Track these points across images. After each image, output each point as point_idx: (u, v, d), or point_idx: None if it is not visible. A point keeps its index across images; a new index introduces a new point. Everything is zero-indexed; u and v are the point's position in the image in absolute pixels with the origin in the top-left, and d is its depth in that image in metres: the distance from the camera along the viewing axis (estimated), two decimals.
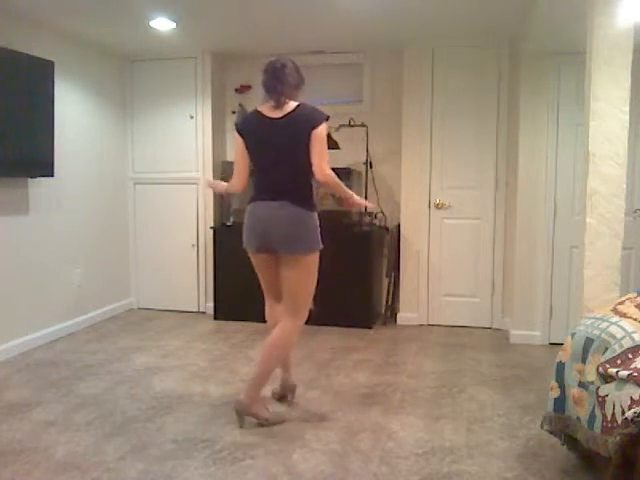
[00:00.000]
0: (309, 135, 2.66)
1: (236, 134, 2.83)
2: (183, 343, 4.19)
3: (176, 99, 5.01)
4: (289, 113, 2.70)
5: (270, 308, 2.98)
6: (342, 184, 2.79)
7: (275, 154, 2.72)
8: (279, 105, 2.70)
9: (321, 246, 2.77)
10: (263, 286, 2.95)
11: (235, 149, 2.87)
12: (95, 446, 2.55)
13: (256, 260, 2.87)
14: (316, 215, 2.77)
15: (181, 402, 3.06)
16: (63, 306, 4.38)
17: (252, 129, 2.79)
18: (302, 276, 2.74)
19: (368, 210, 4.77)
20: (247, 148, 2.79)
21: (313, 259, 2.75)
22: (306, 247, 2.71)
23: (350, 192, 2.85)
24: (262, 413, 2.75)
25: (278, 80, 2.70)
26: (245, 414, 2.73)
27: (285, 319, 2.79)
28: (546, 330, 4.21)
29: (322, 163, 2.66)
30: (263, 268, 2.87)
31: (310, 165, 2.67)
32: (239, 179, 2.86)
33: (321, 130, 2.67)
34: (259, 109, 2.78)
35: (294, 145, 2.69)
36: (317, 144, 2.66)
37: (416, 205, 4.68)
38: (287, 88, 2.72)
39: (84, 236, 4.62)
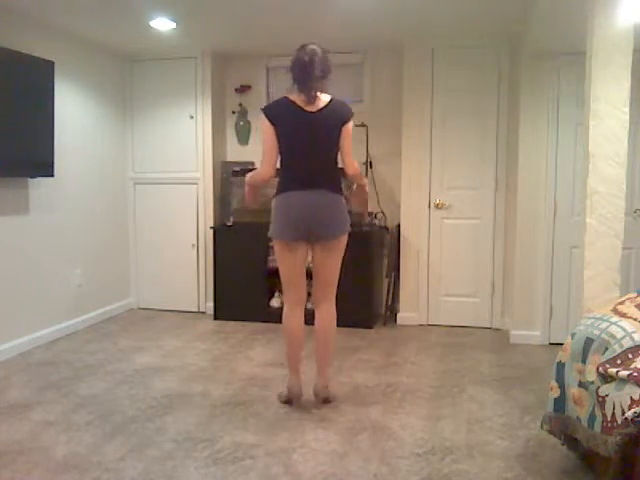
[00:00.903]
0: (340, 129, 2.82)
1: (266, 122, 2.80)
2: (183, 343, 4.19)
3: (176, 99, 5.01)
4: (324, 107, 2.80)
5: (293, 313, 2.96)
6: (364, 178, 3.06)
7: (311, 146, 2.81)
8: (311, 100, 2.77)
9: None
10: (290, 284, 2.95)
11: (264, 136, 2.84)
12: (95, 446, 2.55)
13: (290, 250, 2.88)
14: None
15: (181, 402, 3.06)
16: (63, 306, 4.39)
17: (287, 119, 2.81)
18: (339, 258, 2.96)
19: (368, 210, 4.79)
20: (277, 136, 2.80)
21: (346, 241, 2.97)
22: (345, 228, 2.93)
23: (366, 180, 3.11)
24: (333, 392, 3.08)
25: (307, 75, 2.75)
26: (324, 397, 3.00)
27: (328, 306, 2.98)
28: (546, 330, 4.21)
29: (351, 157, 2.89)
30: (295, 258, 2.90)
31: (337, 155, 2.86)
32: (271, 166, 2.84)
33: (350, 125, 2.87)
34: (292, 99, 2.80)
35: (328, 138, 2.83)
36: (348, 139, 2.86)
37: (416, 205, 4.68)
38: (316, 83, 2.77)
39: (84, 236, 4.62)
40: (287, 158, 2.86)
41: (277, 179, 2.92)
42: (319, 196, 2.82)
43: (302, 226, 2.82)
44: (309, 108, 2.79)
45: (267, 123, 2.81)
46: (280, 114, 2.82)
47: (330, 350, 3.06)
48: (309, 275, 3.03)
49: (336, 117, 2.83)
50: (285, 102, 2.83)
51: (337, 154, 2.88)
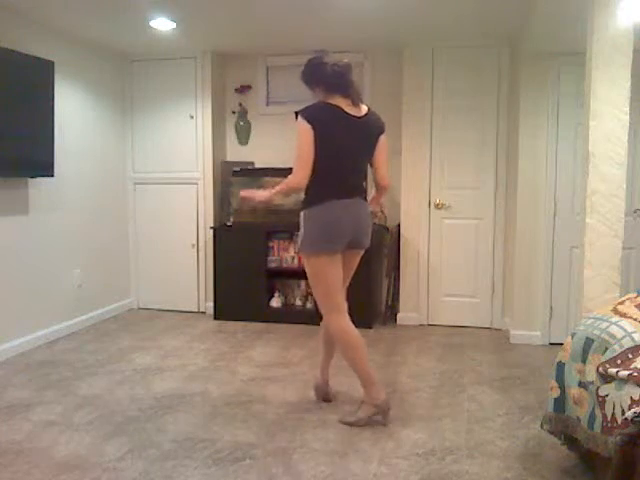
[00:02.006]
0: (377, 139, 2.82)
1: (306, 125, 2.61)
2: (183, 343, 4.19)
3: (176, 99, 5.01)
4: (366, 114, 2.77)
5: (348, 320, 2.84)
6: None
7: (353, 153, 2.77)
8: (358, 103, 2.75)
9: None
10: (336, 291, 2.80)
11: (302, 140, 2.63)
12: (95, 446, 2.55)
13: (335, 260, 2.75)
14: None
15: (181, 402, 3.06)
16: (63, 306, 4.39)
17: (333, 123, 2.67)
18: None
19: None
20: (316, 142, 2.63)
21: None
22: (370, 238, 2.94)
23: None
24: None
25: (349, 81, 2.73)
26: (330, 396, 3.05)
27: (345, 306, 2.89)
28: (546, 330, 4.21)
29: (386, 170, 2.89)
30: (338, 268, 2.79)
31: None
32: (307, 171, 2.64)
33: (385, 136, 2.86)
34: (335, 103, 2.68)
35: (368, 146, 2.81)
36: (385, 151, 2.85)
37: (416, 205, 4.68)
38: (357, 86, 2.78)
39: (84, 236, 4.61)
40: (328, 164, 2.67)
41: (309, 188, 2.72)
42: (359, 205, 2.81)
43: (347, 235, 2.75)
44: (355, 113, 2.71)
45: (306, 126, 2.62)
46: (324, 118, 2.66)
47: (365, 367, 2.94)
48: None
49: (375, 126, 2.81)
50: (328, 105, 2.68)
51: (368, 164, 2.88)
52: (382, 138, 2.84)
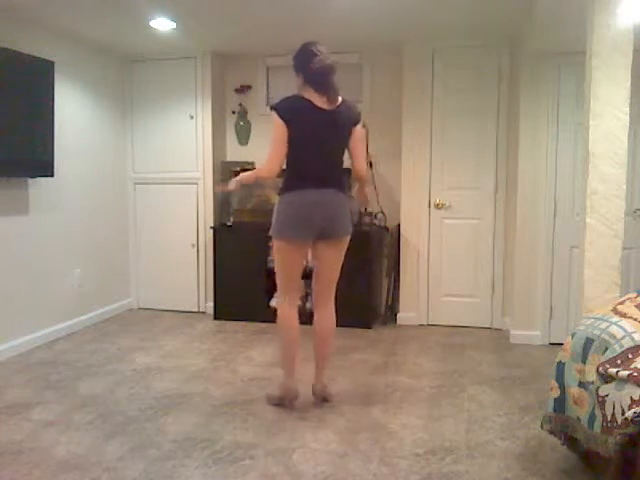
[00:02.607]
0: (350, 130, 2.86)
1: (278, 118, 2.77)
2: (183, 343, 4.19)
3: (176, 99, 5.01)
4: (338, 106, 2.82)
5: (293, 311, 2.97)
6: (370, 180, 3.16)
7: (324, 144, 2.82)
8: (332, 101, 2.80)
9: None
10: (290, 281, 2.95)
11: (274, 133, 2.79)
12: (95, 446, 2.55)
13: (296, 248, 2.86)
14: None
15: (181, 402, 3.06)
16: (63, 306, 4.38)
17: (302, 116, 2.79)
18: (342, 257, 2.99)
19: (368, 210, 4.79)
20: (288, 134, 2.78)
21: (348, 240, 3.00)
22: (350, 228, 2.97)
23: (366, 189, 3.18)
24: (332, 392, 3.09)
25: (329, 79, 2.78)
26: (323, 397, 3.03)
27: (329, 305, 3.01)
28: (546, 330, 4.21)
29: (363, 160, 2.95)
30: (298, 257, 2.90)
31: (343, 156, 2.90)
32: (277, 164, 2.81)
33: (361, 126, 2.92)
34: (306, 96, 2.79)
35: (341, 137, 2.85)
36: (359, 141, 2.91)
37: (416, 205, 4.68)
38: (335, 85, 2.81)
39: (84, 236, 4.62)
40: (299, 156, 2.82)
41: (282, 178, 2.90)
42: (331, 195, 2.85)
43: (312, 225, 2.81)
44: (324, 105, 2.79)
45: (279, 121, 2.77)
46: (294, 111, 2.79)
47: (331, 350, 3.10)
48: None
49: (347, 117, 2.85)
50: (300, 99, 2.81)
51: (343, 155, 2.91)
52: (356, 129, 2.88)
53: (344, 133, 2.86)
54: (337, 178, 2.89)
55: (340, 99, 2.84)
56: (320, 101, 2.79)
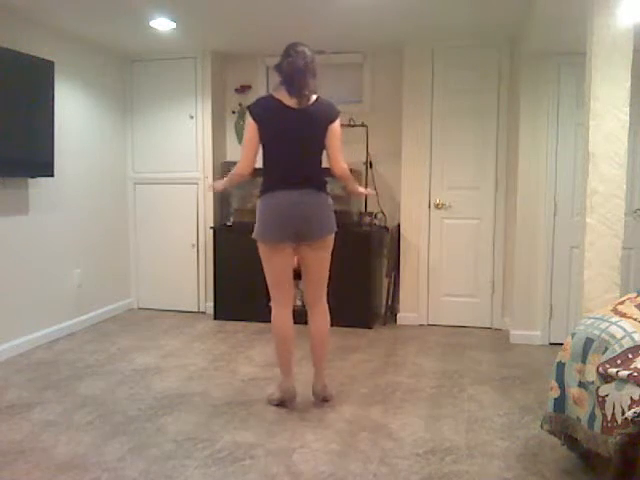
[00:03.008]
0: (326, 128, 2.81)
1: (249, 119, 2.81)
2: (183, 343, 4.19)
3: (176, 99, 5.01)
4: (311, 105, 2.79)
5: (286, 317, 2.95)
6: (351, 177, 3.01)
7: (296, 144, 2.79)
8: (303, 103, 2.77)
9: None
10: (276, 285, 2.93)
11: (246, 133, 2.84)
12: (95, 446, 2.55)
13: (275, 250, 2.85)
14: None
15: (181, 402, 3.06)
16: (63, 306, 4.38)
17: (271, 116, 2.80)
18: (328, 257, 2.95)
19: (368, 210, 4.79)
20: (260, 134, 2.79)
21: (333, 239, 2.95)
22: (331, 229, 2.91)
23: (357, 185, 3.09)
24: (332, 392, 3.09)
25: (301, 80, 2.75)
26: (323, 397, 3.01)
27: (321, 306, 2.97)
28: (546, 330, 4.21)
29: (340, 158, 2.86)
30: (279, 259, 2.87)
31: (322, 155, 2.84)
32: (248, 162, 2.83)
33: (337, 124, 2.85)
34: (277, 96, 2.79)
35: (313, 136, 2.81)
36: (335, 138, 2.83)
37: (416, 205, 4.68)
38: (310, 86, 2.77)
39: (84, 236, 4.62)
40: (272, 156, 2.84)
41: (263, 178, 2.89)
42: (306, 195, 2.80)
43: (289, 226, 2.80)
44: (293, 105, 2.77)
45: (250, 121, 2.80)
46: (265, 110, 2.81)
47: (327, 349, 3.07)
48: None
49: (322, 115, 2.81)
50: (271, 99, 2.82)
51: (322, 154, 2.86)
52: (333, 127, 2.82)
53: (317, 132, 2.81)
54: (314, 177, 2.84)
55: (314, 97, 2.81)
56: (291, 101, 2.77)
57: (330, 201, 2.91)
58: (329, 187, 2.94)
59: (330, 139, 2.82)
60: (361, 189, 3.12)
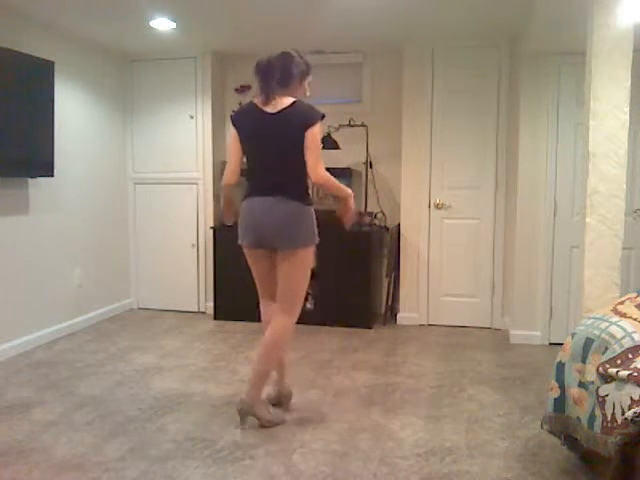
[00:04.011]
0: (303, 133, 2.63)
1: (231, 126, 2.80)
2: (183, 343, 4.19)
3: (176, 99, 5.01)
4: (284, 109, 2.67)
5: (266, 308, 2.93)
6: (338, 184, 2.74)
7: (269, 149, 2.70)
8: (267, 101, 2.69)
9: (317, 240, 2.77)
10: (257, 284, 2.92)
11: (228, 142, 2.86)
12: (95, 446, 2.55)
13: (251, 256, 2.85)
14: (312, 210, 2.75)
15: (181, 402, 3.06)
16: (63, 306, 4.38)
17: (246, 122, 2.77)
18: (297, 271, 2.72)
19: (367, 210, 4.79)
20: (241, 141, 2.77)
21: (308, 254, 2.74)
22: (302, 241, 2.70)
23: (349, 191, 2.78)
24: (264, 414, 2.74)
25: (265, 79, 2.70)
26: (248, 414, 2.71)
27: (279, 317, 2.76)
28: (546, 330, 4.21)
29: (316, 164, 2.63)
30: (258, 264, 2.85)
31: (304, 162, 2.64)
32: (231, 172, 2.79)
33: (316, 130, 2.64)
34: (255, 101, 2.76)
35: (288, 142, 2.66)
36: (311, 144, 2.63)
37: (416, 205, 4.68)
38: (274, 86, 2.68)
39: (84, 236, 4.61)
40: (249, 163, 2.80)
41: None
42: (275, 203, 2.68)
43: (256, 233, 2.74)
44: (268, 109, 2.68)
45: (231, 128, 2.79)
46: (242, 117, 2.79)
47: (266, 365, 2.75)
48: None
49: (298, 120, 2.64)
50: (250, 105, 2.79)
51: (302, 160, 2.64)
52: (310, 131, 2.62)
53: (294, 138, 2.64)
54: (288, 185, 2.69)
55: (289, 101, 2.67)
56: (261, 102, 2.71)
57: (308, 211, 2.72)
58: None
59: (305, 144, 2.63)
60: (351, 206, 2.78)
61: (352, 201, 2.79)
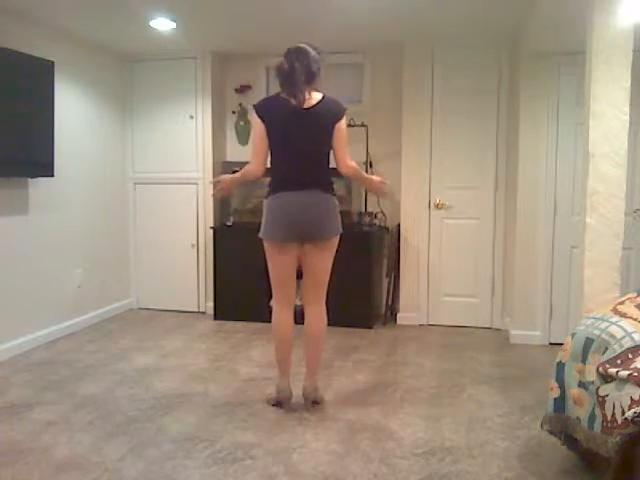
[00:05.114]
0: (333, 127, 2.78)
1: (256, 118, 2.79)
2: (183, 343, 4.19)
3: (176, 99, 5.01)
4: (316, 105, 2.77)
5: (283, 313, 2.95)
6: (363, 172, 3.01)
7: (303, 144, 2.77)
8: (301, 103, 2.74)
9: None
10: (279, 283, 2.94)
11: (254, 133, 2.83)
12: (95, 446, 2.55)
13: (280, 251, 2.86)
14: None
15: (181, 402, 3.06)
16: (63, 306, 4.38)
17: (278, 115, 2.78)
18: (331, 259, 2.93)
19: (368, 210, 4.79)
20: (268, 133, 2.78)
21: (337, 241, 2.94)
22: (337, 230, 2.90)
23: (370, 177, 3.05)
24: (321, 396, 3.04)
25: (292, 83, 2.72)
26: (313, 399, 2.97)
27: (317, 307, 2.95)
28: (546, 330, 4.21)
29: (346, 156, 2.83)
30: (287, 259, 2.88)
31: (329, 155, 2.83)
32: (259, 162, 2.81)
33: (344, 123, 2.83)
34: (283, 96, 2.77)
35: (321, 136, 2.80)
36: (341, 137, 2.81)
37: (416, 205, 4.68)
38: (302, 87, 2.73)
39: (84, 236, 4.61)
40: (278, 157, 2.83)
41: (268, 179, 2.89)
42: (311, 196, 2.80)
43: (294, 227, 2.80)
44: (300, 105, 2.75)
45: (257, 120, 2.79)
46: (271, 110, 2.80)
47: (320, 352, 3.04)
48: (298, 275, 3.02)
49: (329, 115, 2.79)
50: (277, 98, 2.80)
51: (329, 154, 2.84)
52: (339, 125, 2.80)
53: (324, 131, 2.79)
54: (320, 178, 2.83)
55: (319, 97, 2.79)
56: (294, 100, 2.75)
57: (336, 202, 2.89)
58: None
59: (335, 137, 2.79)
60: (376, 179, 3.01)
61: (378, 180, 3.00)
